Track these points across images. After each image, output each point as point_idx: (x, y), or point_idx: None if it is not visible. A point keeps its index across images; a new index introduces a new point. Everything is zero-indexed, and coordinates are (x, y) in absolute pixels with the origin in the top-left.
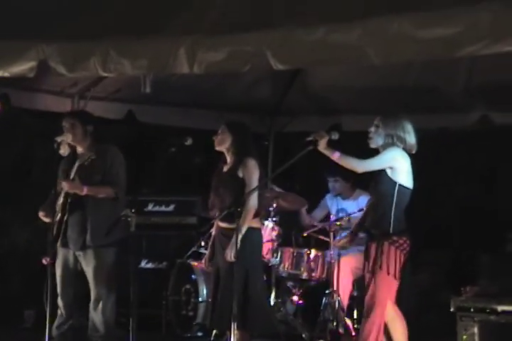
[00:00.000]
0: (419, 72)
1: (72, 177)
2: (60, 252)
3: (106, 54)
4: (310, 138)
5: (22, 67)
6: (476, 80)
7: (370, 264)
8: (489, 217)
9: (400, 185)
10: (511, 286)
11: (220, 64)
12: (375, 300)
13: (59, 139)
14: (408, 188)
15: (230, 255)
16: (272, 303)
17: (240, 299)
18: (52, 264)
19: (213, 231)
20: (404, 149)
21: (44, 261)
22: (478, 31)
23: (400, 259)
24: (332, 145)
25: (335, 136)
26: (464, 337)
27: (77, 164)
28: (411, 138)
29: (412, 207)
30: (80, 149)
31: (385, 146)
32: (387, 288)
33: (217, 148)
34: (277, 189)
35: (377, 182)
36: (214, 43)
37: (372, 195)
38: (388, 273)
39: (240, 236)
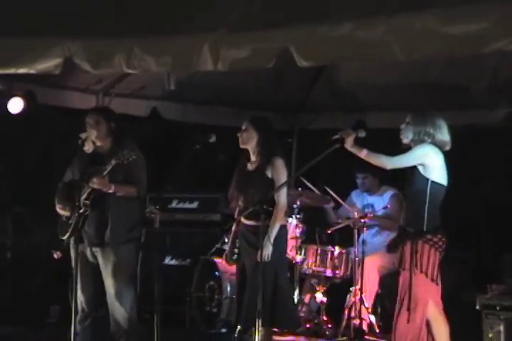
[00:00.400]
0: (443, 69)
1: (104, 174)
2: (74, 248)
3: (130, 51)
4: (337, 137)
5: (48, 64)
6: (501, 77)
7: (407, 262)
8: None
9: (432, 181)
10: None
11: (244, 61)
12: (414, 300)
13: (83, 136)
14: (442, 184)
15: (266, 255)
16: (295, 300)
17: (269, 296)
18: (64, 258)
19: (234, 227)
20: (435, 145)
21: (55, 256)
22: (504, 27)
23: (434, 257)
24: (358, 142)
25: (362, 134)
26: (490, 335)
27: (113, 162)
28: (442, 135)
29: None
30: (101, 146)
31: (416, 142)
32: (424, 286)
33: (242, 146)
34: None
35: (410, 179)
36: (238, 40)
37: (407, 193)
38: (422, 272)
39: (273, 235)
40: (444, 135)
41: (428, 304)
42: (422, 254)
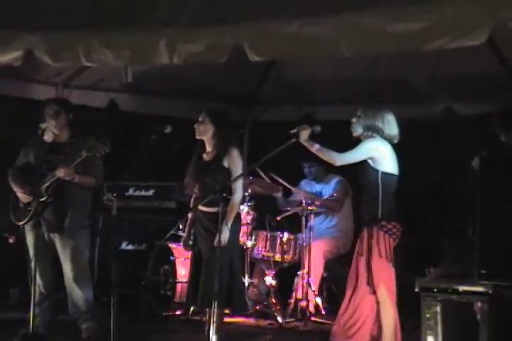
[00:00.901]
0: (389, 65)
1: (73, 165)
2: (30, 233)
3: (89, 44)
4: (294, 131)
5: (8, 57)
6: (441, 73)
7: (363, 248)
8: (455, 204)
9: (383, 172)
10: (472, 268)
11: (198, 55)
12: (374, 283)
13: (43, 126)
14: (392, 174)
15: (224, 239)
16: (246, 284)
17: (225, 280)
18: (19, 243)
19: (190, 215)
20: (384, 138)
21: (10, 240)
22: (444, 26)
23: (389, 243)
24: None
25: (317, 129)
26: (428, 315)
27: (84, 154)
28: (390, 129)
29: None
30: (59, 135)
31: (365, 136)
32: (379, 270)
33: (198, 138)
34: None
35: (362, 172)
36: (193, 35)
37: (362, 184)
38: (380, 256)
39: (231, 221)
40: (393, 130)
41: (379, 288)
42: (378, 240)
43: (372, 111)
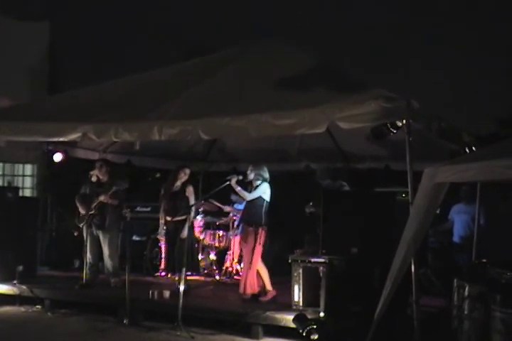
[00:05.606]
0: (275, 141)
1: (109, 194)
2: (87, 230)
3: (117, 129)
4: (228, 178)
5: (74, 136)
6: (304, 145)
7: (251, 239)
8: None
9: (265, 200)
10: (318, 250)
11: (175, 135)
12: (253, 259)
13: (92, 172)
14: (268, 201)
15: (185, 234)
16: (199, 258)
17: (186, 256)
18: (79, 235)
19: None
20: (266, 180)
21: (75, 233)
22: (304, 122)
23: (264, 236)
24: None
25: (240, 178)
26: (295, 274)
27: (115, 188)
28: (266, 174)
29: (270, 211)
30: (102, 178)
31: (254, 180)
32: (258, 251)
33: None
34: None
35: (255, 199)
36: (172, 125)
37: (251, 206)
38: (260, 244)
39: (187, 225)
40: (267, 174)
41: (258, 261)
42: (261, 235)
43: (257, 166)
